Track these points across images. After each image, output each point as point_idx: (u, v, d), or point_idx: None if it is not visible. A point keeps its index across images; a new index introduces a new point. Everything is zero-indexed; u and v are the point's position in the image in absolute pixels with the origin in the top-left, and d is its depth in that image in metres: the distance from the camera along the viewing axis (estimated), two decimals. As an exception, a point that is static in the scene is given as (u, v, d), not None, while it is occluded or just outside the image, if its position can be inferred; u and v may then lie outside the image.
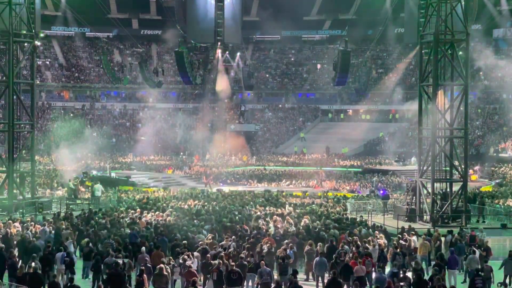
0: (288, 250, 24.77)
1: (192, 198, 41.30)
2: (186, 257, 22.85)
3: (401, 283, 21.11)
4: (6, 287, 21.67)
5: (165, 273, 21.10)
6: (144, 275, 20.75)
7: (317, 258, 23.95)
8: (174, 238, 27.03)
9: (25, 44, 40.57)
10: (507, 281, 24.08)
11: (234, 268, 21.51)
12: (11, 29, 38.45)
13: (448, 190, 36.40)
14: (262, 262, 22.31)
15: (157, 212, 34.34)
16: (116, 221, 31.28)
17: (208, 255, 23.43)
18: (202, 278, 23.02)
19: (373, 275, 23.12)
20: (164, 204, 37.86)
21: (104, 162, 65.48)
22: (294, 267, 24.31)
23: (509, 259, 24.23)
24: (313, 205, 38.33)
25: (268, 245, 25.30)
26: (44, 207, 38.46)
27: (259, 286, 21.89)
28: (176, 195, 43.79)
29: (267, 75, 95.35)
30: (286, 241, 26.32)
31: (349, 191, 50.31)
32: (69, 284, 19.89)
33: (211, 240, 26.21)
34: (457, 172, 37.14)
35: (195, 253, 24.03)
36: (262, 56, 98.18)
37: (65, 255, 23.94)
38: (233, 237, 26.75)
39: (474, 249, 25.91)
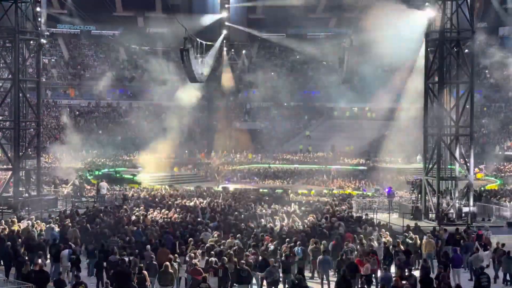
0: (296, 248, 24.80)
1: (198, 196, 41.35)
2: (192, 254, 22.88)
3: (403, 282, 21.10)
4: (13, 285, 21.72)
5: (171, 270, 21.15)
6: (144, 271, 20.81)
7: (321, 257, 23.95)
8: (179, 236, 27.06)
9: (31, 42, 40.65)
10: (507, 278, 24.22)
11: (244, 266, 21.53)
12: (17, 27, 38.52)
13: (453, 188, 36.34)
14: (272, 260, 22.33)
15: (162, 210, 34.41)
16: (122, 219, 31.34)
17: (213, 252, 23.46)
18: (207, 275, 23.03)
19: (379, 273, 23.13)
20: (170, 202, 37.92)
21: (110, 160, 65.60)
22: (302, 264, 24.38)
23: (507, 258, 24.28)
24: (318, 203, 38.32)
25: (274, 243, 25.33)
26: (50, 205, 38.57)
27: (265, 284, 21.93)
28: (182, 193, 43.81)
29: (272, 73, 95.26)
30: (288, 239, 26.31)
31: (354, 189, 50.27)
32: (75, 281, 19.96)
33: (216, 238, 26.23)
34: (462, 170, 37.08)
35: (199, 251, 24.06)
36: (268, 54, 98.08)
37: (72, 252, 24.01)
38: (238, 235, 26.76)
39: (479, 247, 25.91)
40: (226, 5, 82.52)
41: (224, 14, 78.77)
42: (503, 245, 25.69)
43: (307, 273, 24.93)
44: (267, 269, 21.86)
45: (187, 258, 23.03)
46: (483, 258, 25.01)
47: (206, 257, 23.48)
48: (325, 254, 24.03)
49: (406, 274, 21.84)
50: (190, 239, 25.88)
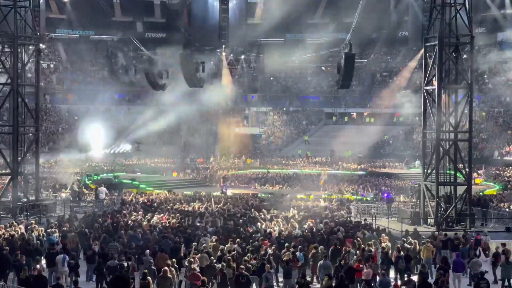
0: (298, 253, 24.78)
1: (196, 201, 41.31)
2: (191, 259, 22.85)
3: (403, 287, 21.10)
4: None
5: (169, 275, 21.11)
6: (149, 278, 20.77)
7: (321, 261, 23.95)
8: (178, 241, 27.03)
9: (30, 46, 40.66)
10: (506, 284, 24.22)
11: (244, 272, 21.48)
12: (16, 32, 38.51)
13: (452, 193, 36.33)
14: (268, 266, 22.30)
15: (161, 215, 34.37)
16: (120, 224, 31.29)
17: (212, 257, 23.43)
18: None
19: (377, 278, 23.10)
20: (168, 207, 37.87)
21: (109, 164, 65.53)
22: (303, 270, 24.36)
23: (506, 263, 24.26)
24: (317, 208, 38.29)
25: (273, 247, 25.30)
26: (48, 209, 38.53)
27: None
28: (180, 198, 43.77)
29: (271, 78, 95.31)
30: (287, 244, 26.27)
31: (353, 194, 50.24)
32: (73, 286, 19.92)
33: (215, 243, 26.20)
34: (461, 175, 37.07)
35: (198, 255, 24.02)
36: (266, 59, 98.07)
37: (67, 257, 23.95)
38: (237, 240, 26.74)
39: (477, 252, 25.89)
40: (225, 10, 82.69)
41: (223, 19, 78.85)
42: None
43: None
44: (262, 274, 21.83)
45: (186, 263, 22.98)
46: (482, 263, 24.99)
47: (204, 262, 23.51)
48: (325, 259, 24.02)
49: (406, 279, 21.83)
50: (194, 244, 25.87)
